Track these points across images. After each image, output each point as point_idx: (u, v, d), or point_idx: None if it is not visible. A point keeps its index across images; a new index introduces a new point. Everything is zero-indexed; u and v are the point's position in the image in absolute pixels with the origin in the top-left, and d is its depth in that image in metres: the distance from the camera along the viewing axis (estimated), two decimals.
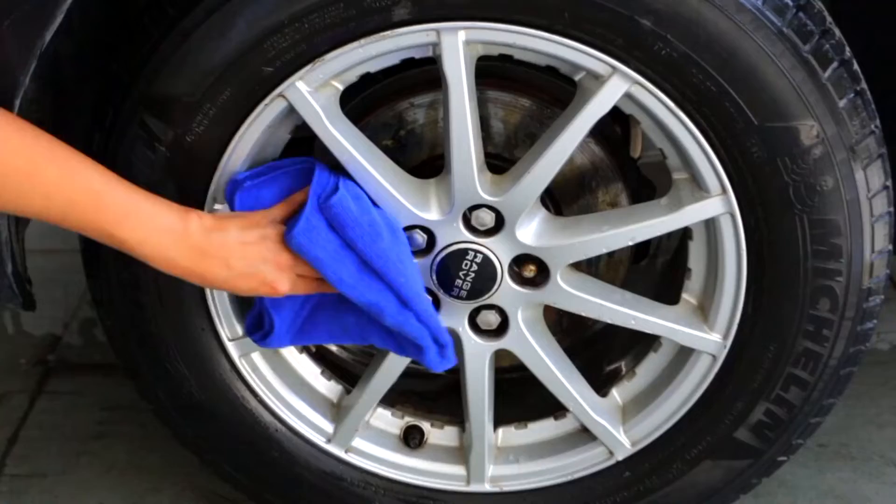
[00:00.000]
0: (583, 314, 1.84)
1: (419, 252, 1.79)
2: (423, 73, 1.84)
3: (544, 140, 1.74)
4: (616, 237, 1.78)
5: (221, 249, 1.62)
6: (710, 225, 1.77)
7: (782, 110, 1.66)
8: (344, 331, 1.77)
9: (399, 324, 1.71)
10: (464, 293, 1.81)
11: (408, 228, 1.77)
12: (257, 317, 1.77)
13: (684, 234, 1.86)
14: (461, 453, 1.97)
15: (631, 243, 1.83)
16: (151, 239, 1.59)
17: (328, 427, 1.95)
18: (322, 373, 1.97)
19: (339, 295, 1.71)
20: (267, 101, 1.71)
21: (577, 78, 1.71)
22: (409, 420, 1.98)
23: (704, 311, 1.83)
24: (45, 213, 1.55)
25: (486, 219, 1.77)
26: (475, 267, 1.79)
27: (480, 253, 1.78)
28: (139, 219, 1.58)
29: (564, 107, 1.75)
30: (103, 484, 2.23)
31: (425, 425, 1.98)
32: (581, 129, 1.70)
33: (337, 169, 1.72)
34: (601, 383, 1.93)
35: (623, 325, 1.83)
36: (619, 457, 1.91)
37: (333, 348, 2.09)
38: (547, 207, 1.85)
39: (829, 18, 1.70)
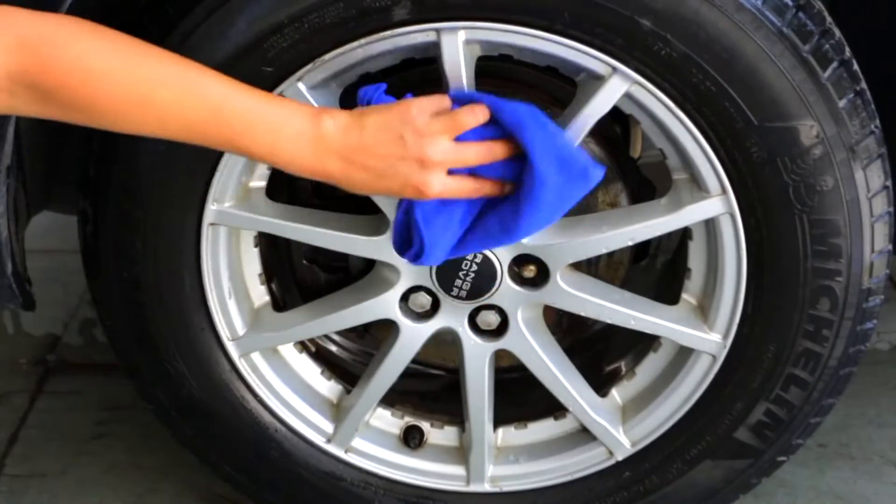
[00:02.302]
0: (583, 314, 1.84)
1: None
2: (423, 73, 1.84)
3: None
4: (616, 237, 1.78)
5: (357, 151, 1.49)
6: (710, 225, 1.77)
7: (782, 110, 1.66)
8: (484, 232, 1.60)
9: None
10: (464, 293, 1.81)
11: None
12: (404, 232, 1.61)
13: (684, 234, 1.86)
14: (461, 453, 1.97)
15: (631, 243, 1.83)
16: (282, 147, 1.48)
17: (328, 427, 1.95)
18: (322, 373, 1.97)
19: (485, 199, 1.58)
20: None
21: (577, 78, 1.71)
22: (409, 420, 1.98)
23: (704, 311, 1.83)
24: (164, 135, 1.48)
25: None
26: (475, 267, 1.79)
27: (481, 253, 1.78)
28: (266, 128, 1.47)
29: (564, 107, 1.75)
30: (103, 484, 2.23)
31: (425, 425, 1.98)
32: (581, 129, 1.70)
33: None
34: (601, 383, 1.93)
35: (623, 325, 1.83)
36: (619, 457, 1.91)
37: (333, 348, 2.09)
38: None
39: (829, 18, 1.69)
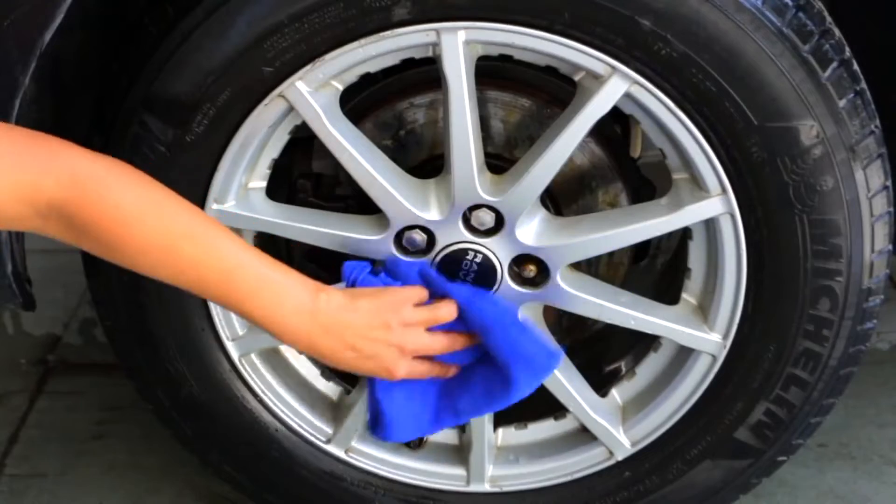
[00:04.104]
0: (583, 314, 1.84)
1: (419, 252, 1.79)
2: (423, 73, 1.84)
3: (544, 140, 1.74)
4: (616, 237, 1.78)
5: (348, 331, 1.61)
6: (710, 225, 1.77)
7: (782, 110, 1.66)
8: (454, 411, 1.76)
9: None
10: None
11: (408, 228, 1.77)
12: (374, 418, 1.76)
13: (684, 234, 1.86)
14: (461, 453, 1.97)
15: (631, 243, 1.83)
16: (278, 316, 1.59)
17: (328, 427, 1.95)
18: (322, 373, 1.97)
19: (447, 379, 1.74)
20: (267, 101, 1.71)
21: (576, 78, 1.71)
22: None
23: (704, 311, 1.83)
24: (174, 283, 1.57)
25: (485, 219, 1.77)
26: (475, 267, 1.79)
27: (480, 253, 1.78)
28: (267, 297, 1.58)
29: (564, 107, 1.75)
30: (103, 484, 2.23)
31: None
32: (581, 129, 1.70)
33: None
34: (601, 383, 1.93)
35: (623, 325, 1.83)
36: (619, 457, 1.91)
37: None
38: (547, 207, 1.85)
39: (828, 18, 1.70)
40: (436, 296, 1.71)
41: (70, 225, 1.48)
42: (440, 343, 1.69)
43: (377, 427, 1.76)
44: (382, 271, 1.72)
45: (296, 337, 1.61)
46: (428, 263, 1.75)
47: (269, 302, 1.58)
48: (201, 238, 1.55)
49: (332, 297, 1.61)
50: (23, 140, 1.46)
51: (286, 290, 1.59)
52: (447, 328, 1.70)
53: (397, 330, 1.64)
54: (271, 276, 1.59)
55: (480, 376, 1.73)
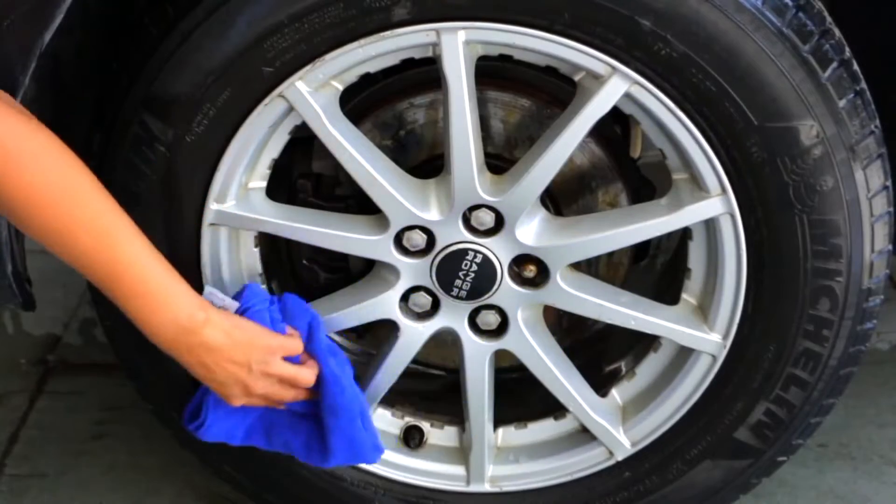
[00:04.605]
0: (583, 314, 1.84)
1: (419, 252, 1.79)
2: (423, 73, 1.84)
3: (544, 140, 1.74)
4: (616, 237, 1.78)
5: (211, 354, 1.66)
6: (710, 225, 1.77)
7: (782, 110, 1.66)
8: (267, 438, 1.82)
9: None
10: (463, 293, 1.81)
11: (408, 229, 1.77)
12: (195, 409, 1.80)
13: (684, 234, 1.86)
14: (461, 453, 1.97)
15: (631, 243, 1.83)
16: (150, 322, 1.63)
17: None
18: None
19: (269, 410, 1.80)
20: (267, 101, 1.71)
21: (576, 78, 1.71)
22: (409, 420, 1.98)
23: (704, 312, 1.83)
24: (64, 259, 1.60)
25: (485, 219, 1.77)
26: (475, 267, 1.79)
27: (480, 253, 1.78)
28: (147, 302, 1.62)
29: (564, 107, 1.75)
30: (103, 484, 2.23)
31: (425, 425, 1.98)
32: (581, 130, 1.70)
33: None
34: (601, 383, 1.93)
35: (623, 326, 1.83)
36: (619, 457, 1.91)
37: None
38: (547, 208, 1.85)
39: (828, 18, 1.70)
40: (309, 351, 1.76)
41: None
42: (286, 396, 1.74)
43: (192, 420, 1.80)
44: (277, 303, 1.76)
45: (160, 342, 1.65)
46: (319, 319, 1.77)
47: (143, 308, 1.62)
48: (100, 231, 1.57)
49: (212, 320, 1.65)
50: None
51: (164, 300, 1.62)
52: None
53: (255, 374, 1.69)
54: (155, 285, 1.62)
55: (308, 428, 1.80)
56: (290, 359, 1.73)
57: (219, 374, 1.68)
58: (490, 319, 1.85)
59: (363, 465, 1.95)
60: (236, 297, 1.75)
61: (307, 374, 1.73)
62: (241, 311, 1.72)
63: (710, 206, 1.73)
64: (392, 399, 1.97)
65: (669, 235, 1.95)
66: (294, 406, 1.78)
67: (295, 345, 1.74)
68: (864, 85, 1.72)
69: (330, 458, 1.80)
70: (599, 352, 2.06)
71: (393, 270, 1.82)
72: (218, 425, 1.79)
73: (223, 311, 1.69)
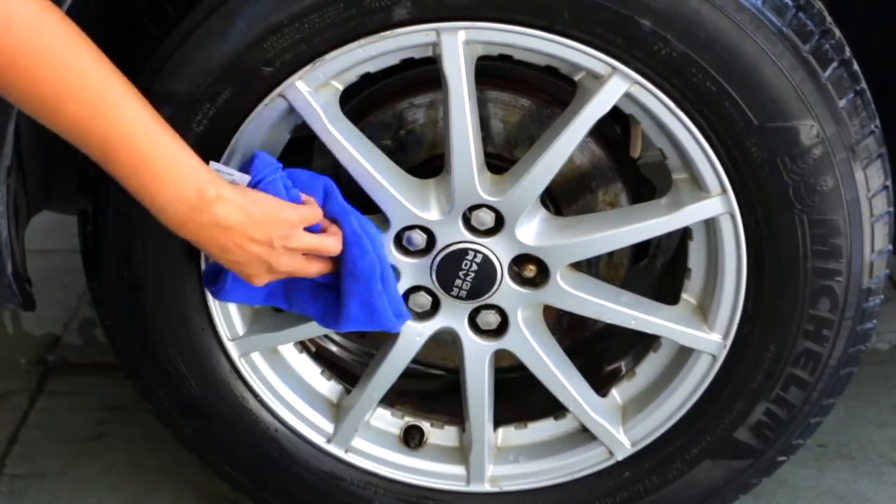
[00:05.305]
0: (583, 314, 1.84)
1: (419, 252, 1.79)
2: (423, 73, 1.84)
3: (544, 140, 1.74)
4: (616, 237, 1.78)
5: (228, 233, 1.56)
6: (710, 225, 1.77)
7: (782, 110, 1.66)
8: (287, 301, 1.77)
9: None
10: (463, 293, 1.81)
11: (408, 228, 1.77)
12: (214, 272, 1.75)
13: (684, 234, 1.86)
14: (461, 453, 1.97)
15: (631, 243, 1.83)
16: (156, 199, 1.51)
17: (328, 427, 1.95)
18: (322, 373, 1.97)
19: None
20: (267, 101, 1.71)
21: (576, 78, 1.71)
22: (409, 420, 1.98)
23: (704, 311, 1.83)
24: (58, 133, 1.48)
25: (485, 219, 1.77)
26: (475, 267, 1.79)
27: (480, 253, 1.78)
28: (151, 177, 1.50)
29: (564, 107, 1.75)
30: (103, 484, 2.23)
31: (425, 425, 1.98)
32: (581, 129, 1.70)
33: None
34: (601, 383, 1.93)
35: (623, 326, 1.83)
36: (619, 457, 1.91)
37: (333, 348, 2.09)
38: (547, 207, 1.85)
39: (828, 18, 1.70)
40: (327, 216, 1.69)
41: None
42: (311, 269, 1.66)
43: (211, 282, 1.76)
44: (288, 177, 1.67)
45: (168, 221, 1.54)
46: (332, 182, 1.70)
47: (147, 185, 1.50)
48: (92, 95, 1.45)
49: (225, 196, 1.54)
50: None
51: (170, 175, 1.50)
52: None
53: (278, 251, 1.60)
54: (157, 158, 1.49)
55: (328, 295, 1.73)
56: (310, 229, 1.66)
57: (238, 254, 1.58)
58: (490, 319, 1.85)
59: (363, 465, 1.95)
60: (244, 169, 1.65)
61: (332, 243, 1.65)
62: (254, 184, 1.63)
63: (710, 205, 1.73)
64: (392, 399, 1.97)
65: (669, 235, 1.95)
66: (318, 278, 1.71)
67: (314, 213, 1.65)
68: (864, 85, 1.72)
69: (344, 323, 1.72)
70: (599, 352, 2.06)
71: (393, 271, 1.82)
72: (238, 291, 1.73)
73: (235, 185, 1.59)
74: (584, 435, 1.93)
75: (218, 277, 1.75)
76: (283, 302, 1.77)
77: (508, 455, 1.96)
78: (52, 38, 1.42)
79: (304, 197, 1.67)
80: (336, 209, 1.69)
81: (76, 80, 1.44)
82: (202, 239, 1.57)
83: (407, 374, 1.92)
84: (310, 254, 1.66)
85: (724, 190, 1.72)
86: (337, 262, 1.70)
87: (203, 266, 1.81)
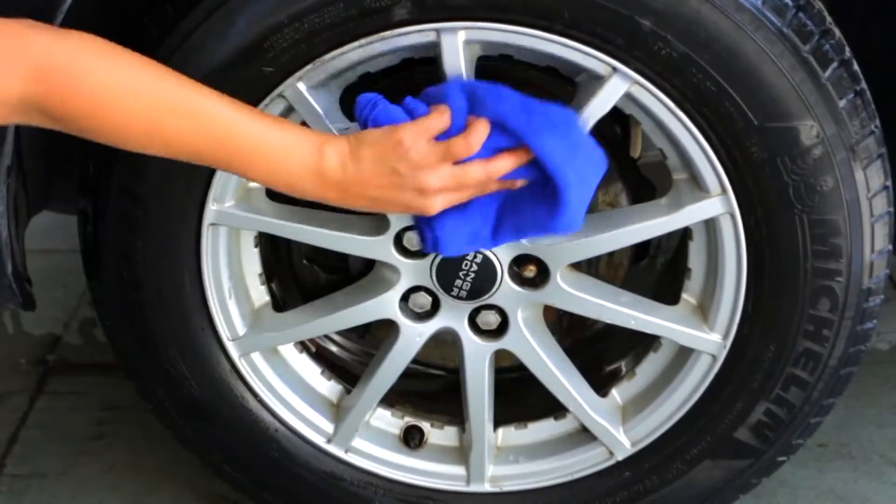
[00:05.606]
0: (583, 314, 1.84)
1: (419, 252, 1.79)
2: (423, 73, 1.84)
3: None
4: (616, 237, 1.78)
5: (355, 184, 1.53)
6: (710, 225, 1.77)
7: (782, 110, 1.66)
8: (516, 231, 1.65)
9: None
10: (464, 293, 1.81)
11: (408, 229, 1.77)
12: (424, 238, 1.67)
13: (684, 234, 1.86)
14: (461, 453, 1.97)
15: (631, 243, 1.83)
16: (282, 176, 1.53)
17: (328, 427, 1.95)
18: (322, 373, 1.97)
19: (490, 197, 1.62)
20: (267, 101, 1.71)
21: (577, 78, 1.71)
22: (409, 420, 1.98)
23: (704, 311, 1.83)
24: (168, 156, 1.51)
25: None
26: (475, 267, 1.79)
27: (480, 253, 1.78)
28: (266, 162, 1.52)
29: None
30: (103, 484, 2.23)
31: (425, 425, 1.98)
32: None
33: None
34: (601, 383, 1.93)
35: (623, 326, 1.83)
36: (619, 457, 1.91)
37: (333, 348, 2.09)
38: None
39: (829, 18, 1.69)
40: (476, 111, 1.56)
41: (49, 116, 1.44)
42: (473, 175, 1.56)
43: (429, 245, 1.67)
44: (410, 99, 1.58)
45: (305, 193, 1.55)
46: (469, 79, 1.61)
47: (269, 166, 1.52)
48: (186, 108, 1.48)
49: (338, 149, 1.53)
50: None
51: (286, 150, 1.52)
52: (486, 149, 1.56)
53: (408, 174, 1.53)
54: (268, 139, 1.51)
55: (529, 195, 1.62)
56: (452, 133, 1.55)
57: (378, 196, 1.54)
58: (490, 319, 1.85)
59: (363, 466, 1.95)
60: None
61: (460, 143, 1.54)
62: (363, 125, 1.57)
63: (710, 205, 1.73)
64: (392, 399, 1.97)
65: (669, 235, 1.95)
66: (513, 175, 1.58)
67: (434, 121, 1.55)
68: (864, 85, 1.72)
69: (563, 212, 1.58)
70: (599, 352, 2.06)
71: (393, 270, 1.82)
72: (454, 237, 1.64)
73: (342, 135, 1.57)
74: (584, 435, 1.93)
75: (427, 240, 1.66)
76: (511, 232, 1.64)
77: (508, 455, 1.96)
78: (127, 71, 1.46)
79: (434, 109, 1.57)
80: (483, 98, 1.56)
81: (165, 100, 1.48)
82: (344, 196, 1.55)
83: (407, 374, 1.92)
84: (455, 162, 1.56)
85: (724, 190, 1.72)
86: (517, 155, 1.57)
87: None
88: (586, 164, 1.60)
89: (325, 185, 1.54)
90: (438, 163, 1.55)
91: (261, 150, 1.52)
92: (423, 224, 1.66)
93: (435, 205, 1.56)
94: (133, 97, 1.46)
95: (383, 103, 1.57)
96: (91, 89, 1.43)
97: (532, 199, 1.62)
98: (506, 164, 1.58)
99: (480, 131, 1.56)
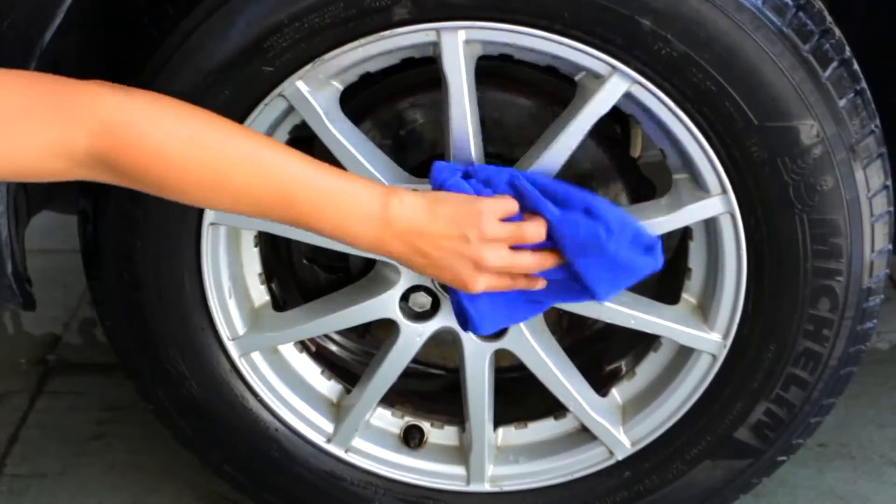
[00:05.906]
0: (582, 314, 1.84)
1: None
2: (423, 73, 1.84)
3: (544, 140, 1.74)
4: None
5: (421, 237, 1.55)
6: (710, 225, 1.77)
7: (782, 110, 1.66)
8: (540, 304, 1.69)
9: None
10: None
11: None
12: (462, 314, 1.68)
13: (684, 234, 1.86)
14: (461, 453, 1.97)
15: None
16: (348, 227, 1.53)
17: (328, 427, 1.95)
18: (322, 372, 1.97)
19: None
20: (267, 100, 1.71)
21: (577, 78, 1.71)
22: (409, 420, 1.98)
23: (704, 311, 1.83)
24: (235, 211, 1.53)
25: None
26: None
27: None
28: (335, 209, 1.52)
29: (564, 106, 1.75)
30: (103, 484, 2.23)
31: (425, 425, 1.98)
32: (581, 129, 1.70)
33: None
34: (601, 383, 1.93)
35: (623, 325, 1.83)
36: (619, 456, 1.91)
37: (333, 348, 2.09)
38: None
39: (828, 18, 1.70)
40: (526, 210, 1.60)
41: (114, 171, 1.44)
42: (525, 262, 1.59)
43: (464, 324, 1.68)
44: (473, 178, 1.62)
45: (367, 244, 1.55)
46: (518, 172, 1.63)
47: (335, 216, 1.52)
48: (251, 162, 1.49)
49: (406, 201, 1.54)
50: (48, 91, 1.42)
51: (351, 200, 1.53)
52: (537, 246, 1.60)
53: (475, 244, 1.55)
54: (333, 189, 1.52)
55: (563, 285, 1.65)
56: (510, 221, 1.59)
57: (438, 256, 1.55)
58: None
59: (363, 465, 1.95)
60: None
61: (532, 229, 1.58)
62: (437, 188, 1.61)
63: (710, 205, 1.73)
64: (392, 399, 1.97)
65: (669, 235, 1.95)
66: (550, 275, 1.62)
67: (507, 203, 1.59)
68: (864, 85, 1.72)
69: (603, 296, 1.63)
70: (599, 351, 2.06)
71: (393, 270, 1.83)
72: (485, 317, 1.66)
73: (416, 191, 1.58)
74: (584, 435, 1.93)
75: (462, 315, 1.68)
76: (533, 307, 1.69)
77: (508, 455, 1.96)
78: (192, 126, 1.47)
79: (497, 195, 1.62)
80: (528, 196, 1.60)
81: (232, 155, 1.48)
82: (402, 248, 1.56)
83: (407, 374, 1.92)
84: (518, 246, 1.59)
85: (724, 190, 1.72)
86: (562, 254, 1.61)
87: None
88: (625, 277, 1.63)
89: (391, 236, 1.54)
90: (504, 241, 1.57)
91: (329, 199, 1.52)
92: (464, 301, 1.65)
93: (480, 283, 1.58)
94: (199, 153, 1.47)
95: (456, 176, 1.60)
96: (155, 145, 1.44)
97: (567, 287, 1.64)
98: (551, 261, 1.61)
99: (543, 223, 1.59)
